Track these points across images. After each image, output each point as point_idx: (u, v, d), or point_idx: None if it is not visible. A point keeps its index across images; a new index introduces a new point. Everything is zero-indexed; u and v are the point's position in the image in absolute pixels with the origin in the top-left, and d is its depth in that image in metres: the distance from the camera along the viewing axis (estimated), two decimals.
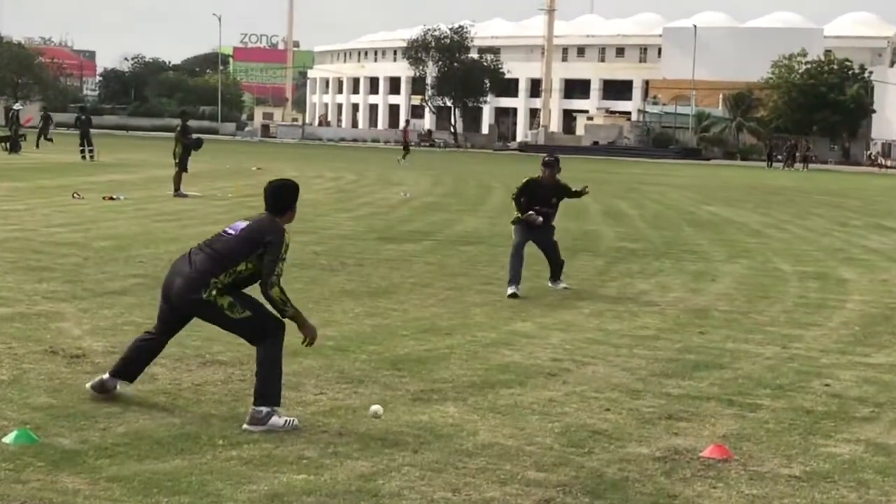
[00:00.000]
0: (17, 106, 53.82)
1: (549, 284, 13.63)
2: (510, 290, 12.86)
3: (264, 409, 6.93)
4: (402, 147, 60.86)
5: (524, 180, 13.53)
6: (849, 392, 8.58)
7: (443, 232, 20.57)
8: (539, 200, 13.43)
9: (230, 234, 7.23)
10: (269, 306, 7.10)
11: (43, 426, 6.66)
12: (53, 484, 5.66)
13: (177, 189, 26.47)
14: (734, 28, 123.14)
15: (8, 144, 48.42)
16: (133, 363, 7.48)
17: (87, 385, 7.49)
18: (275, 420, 6.90)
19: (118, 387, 7.46)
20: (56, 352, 8.77)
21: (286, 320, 7.14)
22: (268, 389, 7.00)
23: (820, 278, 15.65)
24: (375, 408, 6.72)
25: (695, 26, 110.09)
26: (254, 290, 7.15)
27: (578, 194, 13.93)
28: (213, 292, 7.02)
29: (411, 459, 6.35)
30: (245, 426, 6.89)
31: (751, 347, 10.25)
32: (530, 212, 13.37)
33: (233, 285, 7.12)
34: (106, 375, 7.49)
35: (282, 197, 7.32)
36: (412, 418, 7.26)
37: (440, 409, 7.55)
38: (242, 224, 7.27)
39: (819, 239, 22.17)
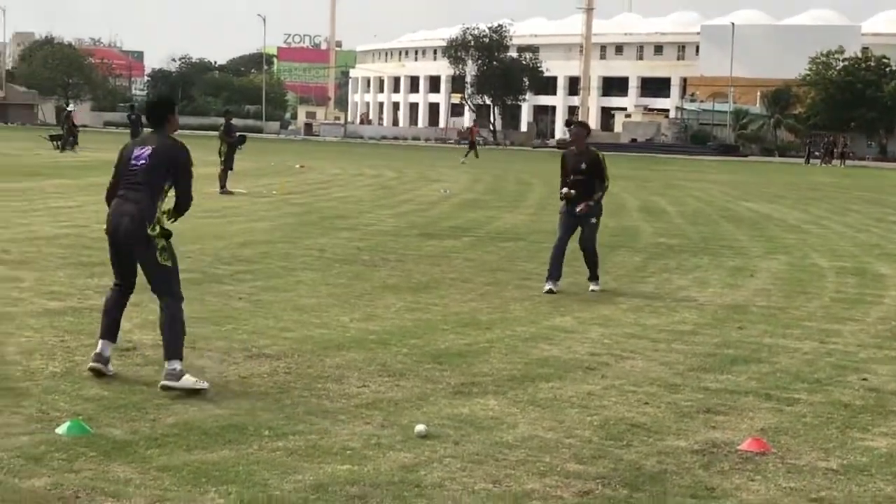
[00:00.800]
0: (71, 107, 54.45)
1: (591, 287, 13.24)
2: (546, 287, 12.78)
3: (178, 366, 7.43)
4: (467, 146, 60.73)
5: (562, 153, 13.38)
6: (886, 386, 8.51)
7: (482, 228, 20.57)
8: (571, 168, 12.93)
9: (141, 163, 7.69)
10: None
11: (95, 417, 6.73)
12: (105, 473, 5.72)
13: (222, 186, 26.64)
14: (771, 26, 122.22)
15: (59, 143, 48.93)
16: (106, 319, 7.97)
17: (88, 367, 7.84)
18: (187, 378, 7.40)
19: (109, 351, 7.90)
20: None
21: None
22: (177, 346, 7.56)
23: (857, 274, 15.52)
24: (421, 428, 6.69)
25: (732, 24, 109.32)
26: None
27: (600, 185, 12.89)
28: (157, 229, 7.57)
29: (453, 451, 6.36)
30: (163, 383, 7.38)
31: (788, 342, 10.18)
32: (563, 189, 13.01)
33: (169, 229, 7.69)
34: (98, 347, 7.88)
35: (156, 110, 7.95)
36: (453, 411, 7.28)
37: (481, 402, 7.56)
38: (146, 150, 7.73)
39: (856, 235, 21.98)
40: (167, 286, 7.69)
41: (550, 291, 12.68)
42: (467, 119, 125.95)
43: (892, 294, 13.61)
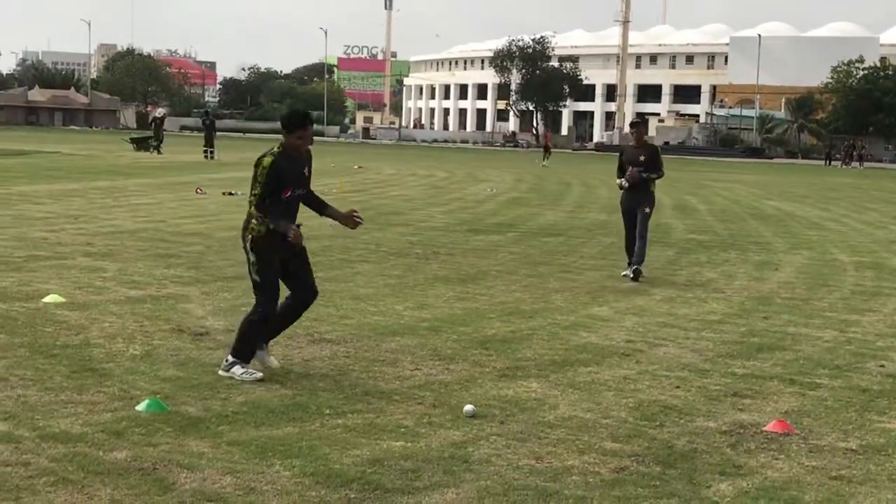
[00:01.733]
0: (159, 113, 54.80)
1: (624, 271, 13.34)
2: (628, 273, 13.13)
3: (230, 359, 7.37)
4: (543, 150, 61.52)
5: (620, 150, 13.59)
6: None
7: (526, 224, 20.52)
8: (629, 160, 13.19)
9: None
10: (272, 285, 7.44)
11: (171, 396, 6.78)
12: (181, 447, 5.76)
13: None
14: (796, 37, 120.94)
15: (153, 146, 49.21)
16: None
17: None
18: (235, 369, 7.32)
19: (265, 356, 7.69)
20: (182, 330, 8.91)
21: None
22: (239, 346, 7.42)
23: (875, 268, 15.31)
24: (469, 408, 6.69)
25: (759, 35, 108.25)
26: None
27: (655, 173, 13.12)
28: (249, 237, 7.37)
29: (498, 430, 6.35)
30: (219, 371, 7.39)
31: (810, 331, 10.06)
32: (619, 180, 13.32)
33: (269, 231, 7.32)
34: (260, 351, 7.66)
35: (288, 118, 7.62)
36: (499, 393, 7.26)
37: (524, 384, 7.54)
38: None
39: (874, 232, 21.69)
40: (256, 293, 7.47)
41: (638, 277, 12.95)
42: (512, 124, 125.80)
43: None
